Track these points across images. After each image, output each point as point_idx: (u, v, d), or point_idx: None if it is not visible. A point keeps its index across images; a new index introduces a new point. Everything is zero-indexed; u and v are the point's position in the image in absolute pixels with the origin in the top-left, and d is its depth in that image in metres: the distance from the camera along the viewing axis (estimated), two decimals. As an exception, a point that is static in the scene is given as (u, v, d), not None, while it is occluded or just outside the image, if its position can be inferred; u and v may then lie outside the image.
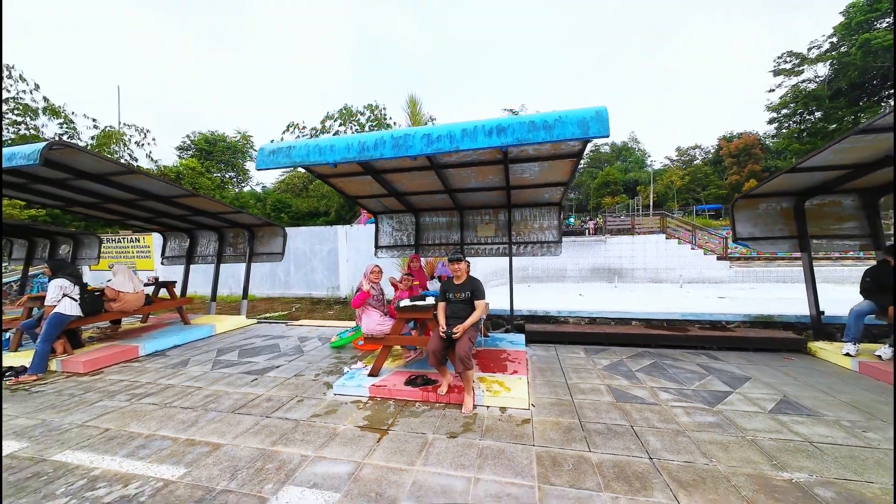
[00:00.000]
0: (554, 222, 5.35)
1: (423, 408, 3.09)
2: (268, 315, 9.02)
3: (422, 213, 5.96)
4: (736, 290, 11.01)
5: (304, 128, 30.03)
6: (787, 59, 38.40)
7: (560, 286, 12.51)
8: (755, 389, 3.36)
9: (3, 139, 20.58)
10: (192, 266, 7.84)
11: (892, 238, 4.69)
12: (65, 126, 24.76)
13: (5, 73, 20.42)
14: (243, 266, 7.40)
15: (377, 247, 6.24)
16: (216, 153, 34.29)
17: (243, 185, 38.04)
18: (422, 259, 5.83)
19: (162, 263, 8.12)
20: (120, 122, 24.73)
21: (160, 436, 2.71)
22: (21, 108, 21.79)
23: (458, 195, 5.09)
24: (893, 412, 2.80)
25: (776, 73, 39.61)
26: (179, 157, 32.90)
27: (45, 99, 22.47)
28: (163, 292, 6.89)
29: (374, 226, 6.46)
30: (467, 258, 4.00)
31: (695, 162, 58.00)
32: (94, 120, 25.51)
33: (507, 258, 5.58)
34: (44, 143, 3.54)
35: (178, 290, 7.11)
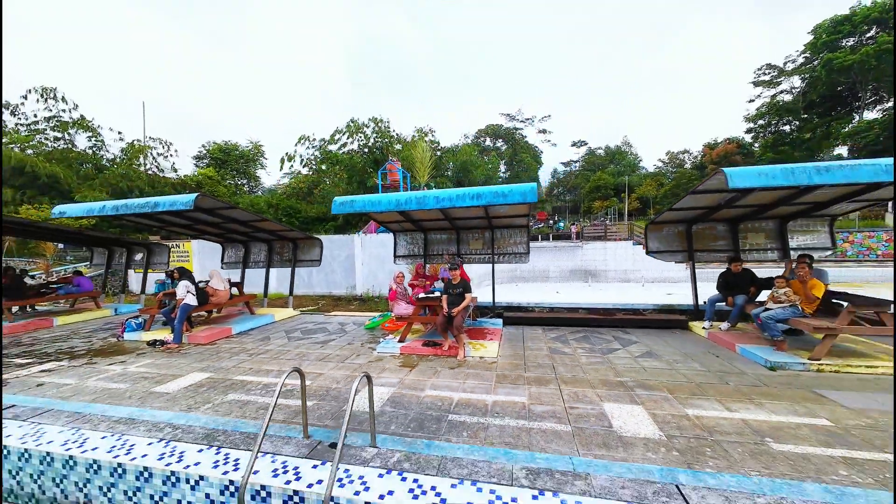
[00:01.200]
0: (523, 239, 7.41)
1: (433, 358, 5.14)
2: (305, 308, 11.05)
3: (429, 231, 8.02)
4: (686, 287, 13.10)
5: (314, 139, 32.10)
6: (767, 71, 40.59)
7: (542, 285, 14.59)
8: (636, 348, 5.43)
9: (45, 152, 22.50)
10: (221, 268, 9.86)
11: (736, 252, 6.72)
12: (93, 139, 26.76)
13: (49, 95, 22.38)
14: (272, 269, 9.44)
15: (396, 256, 8.28)
16: (230, 162, 36.31)
17: (255, 190, 40.00)
18: (426, 265, 7.90)
19: (221, 268, 10.15)
20: (145, 136, 26.72)
21: (285, 369, 4.76)
22: (61, 125, 23.73)
23: (455, 221, 7.15)
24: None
25: (756, 84, 41.81)
26: (196, 165, 34.89)
27: (82, 117, 24.41)
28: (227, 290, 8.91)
29: (384, 235, 8.51)
30: (464, 264, 6.03)
31: (685, 166, 60.08)
32: (119, 133, 27.52)
33: (490, 265, 7.64)
34: (195, 195, 5.56)
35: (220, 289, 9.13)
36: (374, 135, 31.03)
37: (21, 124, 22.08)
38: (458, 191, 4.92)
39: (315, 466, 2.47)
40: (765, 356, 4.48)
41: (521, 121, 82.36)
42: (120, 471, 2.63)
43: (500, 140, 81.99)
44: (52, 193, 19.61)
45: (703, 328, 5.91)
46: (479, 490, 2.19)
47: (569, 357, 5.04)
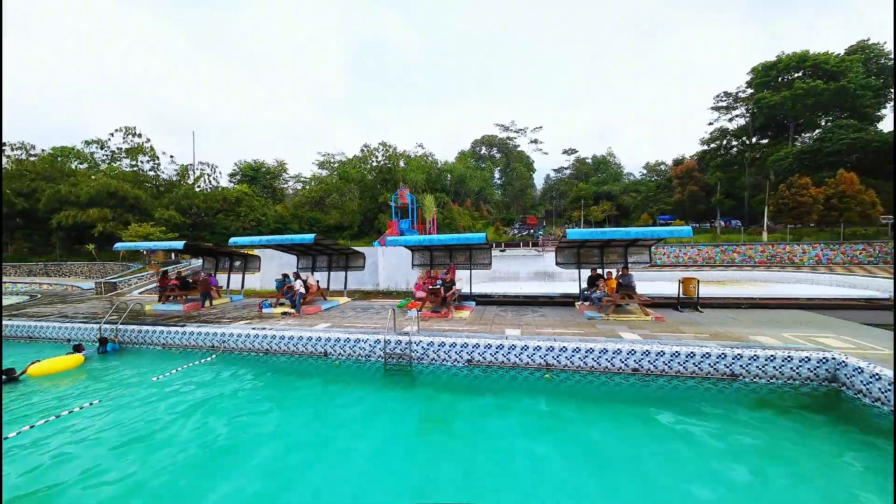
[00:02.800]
0: (487, 255, 12.54)
1: (436, 318, 10.28)
2: (353, 297, 16.14)
3: (433, 250, 13.15)
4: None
5: (334, 163, 37.20)
6: (723, 98, 46.00)
7: (513, 283, 19.73)
8: (538, 314, 10.58)
9: (123, 175, 27.49)
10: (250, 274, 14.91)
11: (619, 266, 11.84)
12: (151, 162, 31.82)
13: (130, 132, 27.59)
14: (325, 273, 14.53)
15: (413, 265, 13.40)
16: (259, 178, 41.43)
17: (279, 202, 45.24)
18: (431, 271, 13.01)
19: (296, 271, 15.20)
20: (195, 161, 31.83)
21: (368, 323, 9.90)
22: (131, 150, 28.81)
23: (448, 246, 12.30)
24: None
25: (714, 108, 47.22)
26: (230, 180, 40.07)
27: (152, 147, 29.53)
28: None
29: (399, 247, 13.53)
30: (456, 269, 11.14)
31: (664, 175, 65.18)
32: (171, 156, 32.57)
33: (468, 271, 12.77)
34: (314, 235, 10.64)
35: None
36: (384, 156, 36.10)
37: (105, 155, 27.18)
38: (449, 236, 10.06)
39: (398, 336, 7.62)
40: (589, 315, 9.64)
41: (515, 131, 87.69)
42: (318, 337, 7.77)
43: (495, 148, 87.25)
44: (135, 211, 24.64)
45: (577, 304, 11.08)
46: (465, 343, 7.35)
47: (502, 317, 10.19)
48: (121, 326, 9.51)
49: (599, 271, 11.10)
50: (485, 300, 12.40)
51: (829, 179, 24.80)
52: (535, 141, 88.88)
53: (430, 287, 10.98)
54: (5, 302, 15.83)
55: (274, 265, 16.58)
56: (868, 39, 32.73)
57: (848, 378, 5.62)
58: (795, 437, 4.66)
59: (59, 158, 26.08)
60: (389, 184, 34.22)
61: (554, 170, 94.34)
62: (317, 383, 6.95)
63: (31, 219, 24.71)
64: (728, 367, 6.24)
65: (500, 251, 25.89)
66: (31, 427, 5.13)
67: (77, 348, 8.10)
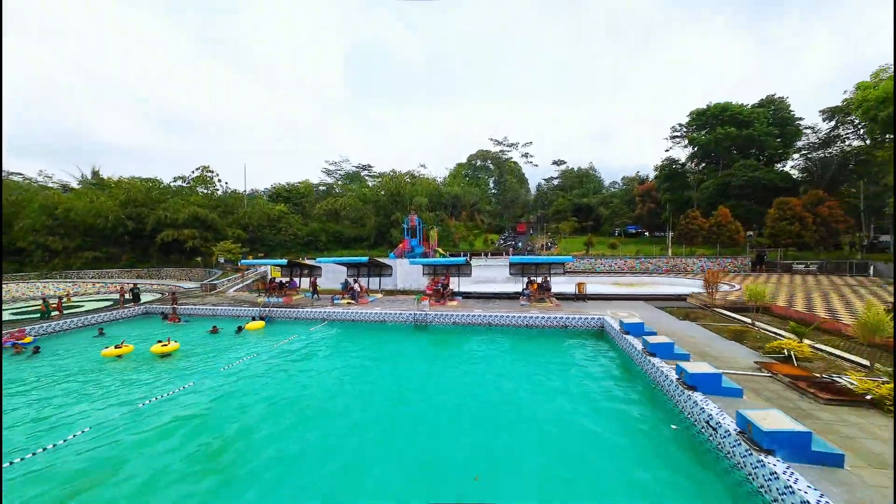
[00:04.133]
0: (468, 268, 20.41)
1: (438, 305, 18.17)
2: (385, 295, 24.03)
3: (435, 266, 21.04)
4: (566, 284, 26.17)
5: (340, 172, 44.94)
6: (678, 128, 53.91)
7: (491, 284, 27.60)
8: (494, 304, 18.47)
9: (201, 201, 35.24)
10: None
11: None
12: (211, 188, 39.67)
13: (206, 170, 35.50)
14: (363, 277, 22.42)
15: (424, 273, 21.27)
16: (291, 198, 49.30)
17: (306, 216, 53.09)
18: (434, 278, 20.88)
19: (349, 276, 23.08)
20: (246, 188, 39.66)
21: (401, 307, 17.81)
22: (200, 179, 36.67)
23: (444, 265, 20.21)
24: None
25: (670, 138, 55.17)
26: (268, 200, 47.93)
27: (220, 179, 37.43)
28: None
29: (415, 260, 21.42)
30: (450, 277, 18.95)
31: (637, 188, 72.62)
32: (226, 182, 40.49)
33: (458, 277, 20.68)
34: (368, 257, 18.49)
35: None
36: (392, 178, 44.00)
37: (184, 187, 35.10)
38: (444, 259, 17.99)
39: (419, 312, 15.53)
40: (522, 303, 17.54)
41: (508, 145, 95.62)
42: (377, 313, 15.70)
43: (490, 161, 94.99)
44: (211, 231, 32.46)
45: (520, 298, 19.00)
46: (452, 314, 15.27)
47: (475, 304, 18.06)
48: (266, 309, 17.39)
49: (534, 278, 19.02)
50: (467, 296, 20.29)
51: (714, 212, 33.18)
52: (526, 155, 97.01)
53: (434, 287, 18.85)
54: (147, 298, 23.55)
55: (330, 272, 24.47)
56: (774, 94, 40.82)
57: (607, 325, 13.47)
58: (581, 345, 12.49)
59: (151, 190, 33.80)
60: (399, 204, 41.93)
61: (544, 179, 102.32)
62: (380, 334, 14.79)
63: (137, 236, 32.44)
64: (563, 323, 14.12)
65: (486, 260, 33.59)
66: (255, 355, 13.01)
67: (261, 318, 15.98)
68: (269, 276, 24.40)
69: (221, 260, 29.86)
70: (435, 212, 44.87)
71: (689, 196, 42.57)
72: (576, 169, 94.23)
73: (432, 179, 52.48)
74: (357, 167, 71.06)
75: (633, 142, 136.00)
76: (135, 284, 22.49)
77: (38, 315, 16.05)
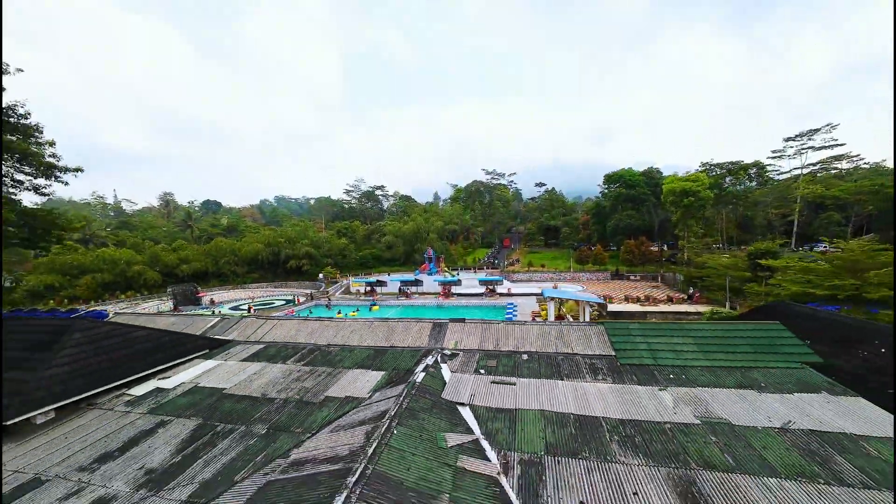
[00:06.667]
0: (459, 283, 42.33)
1: (446, 299, 40.10)
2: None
3: (443, 282, 43.02)
4: (502, 288, 47.84)
5: (358, 189, 67.60)
6: (600, 185, 75.19)
7: (470, 289, 49.34)
8: (474, 298, 40.41)
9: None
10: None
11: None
12: (311, 234, 61.85)
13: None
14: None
15: (437, 283, 43.21)
16: (347, 232, 71.34)
17: (353, 241, 74.94)
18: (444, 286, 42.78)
19: (401, 286, 45.02)
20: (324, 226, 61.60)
21: (430, 300, 39.78)
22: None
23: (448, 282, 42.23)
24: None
25: (602, 185, 76.44)
26: (336, 235, 70.10)
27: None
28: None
29: (433, 278, 43.25)
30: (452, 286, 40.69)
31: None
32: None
33: (454, 287, 42.60)
34: (413, 277, 40.40)
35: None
36: (397, 200, 65.90)
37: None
38: (448, 278, 40.06)
39: (439, 301, 37.57)
40: (487, 297, 39.45)
41: (496, 176, 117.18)
42: (420, 302, 37.78)
43: (482, 187, 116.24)
44: (314, 260, 54.55)
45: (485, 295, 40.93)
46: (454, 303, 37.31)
47: (463, 299, 39.95)
48: (374, 300, 39.53)
49: (489, 286, 40.97)
50: (460, 295, 42.26)
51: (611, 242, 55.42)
52: (512, 182, 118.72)
53: (445, 291, 40.82)
54: (307, 304, 45.43)
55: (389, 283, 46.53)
56: (653, 165, 62.88)
57: (509, 305, 35.21)
58: (500, 309, 34.25)
59: (279, 236, 55.77)
60: (419, 235, 63.52)
61: (530, 199, 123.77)
62: (422, 309, 36.71)
63: (274, 263, 54.55)
64: (495, 304, 35.99)
65: (473, 273, 55.13)
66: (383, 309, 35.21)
67: (375, 303, 38.25)
68: (353, 287, 46.39)
69: (321, 276, 51.47)
70: (442, 241, 66.45)
71: (605, 228, 64.18)
72: (549, 193, 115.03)
73: (442, 212, 74.41)
74: (371, 188, 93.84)
75: (633, 142, 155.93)
76: (311, 292, 44.78)
77: (246, 310, 38.18)
